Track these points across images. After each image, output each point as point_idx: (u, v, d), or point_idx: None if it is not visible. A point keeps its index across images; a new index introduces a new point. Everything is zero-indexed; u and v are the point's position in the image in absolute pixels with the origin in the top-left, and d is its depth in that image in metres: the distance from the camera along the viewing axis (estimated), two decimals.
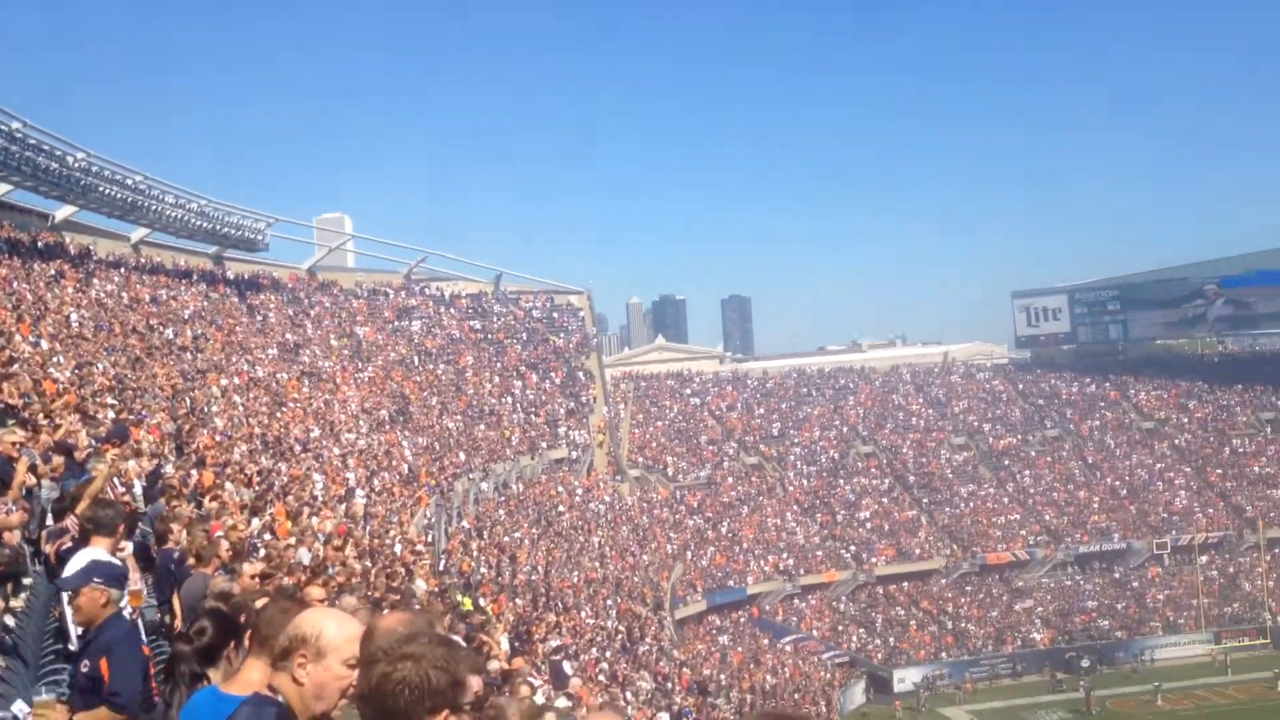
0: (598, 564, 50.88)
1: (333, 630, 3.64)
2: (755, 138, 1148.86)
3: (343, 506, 29.19)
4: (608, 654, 37.19)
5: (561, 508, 56.10)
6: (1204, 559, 70.20)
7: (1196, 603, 67.02)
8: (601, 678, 32.26)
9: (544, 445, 62.94)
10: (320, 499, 27.92)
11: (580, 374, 71.41)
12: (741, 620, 63.63)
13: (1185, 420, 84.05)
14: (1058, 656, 63.37)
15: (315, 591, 10.92)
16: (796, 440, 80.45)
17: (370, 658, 3.11)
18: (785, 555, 69.26)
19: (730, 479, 75.11)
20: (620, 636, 41.68)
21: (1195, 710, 54.91)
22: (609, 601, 45.81)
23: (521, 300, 74.95)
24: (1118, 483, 78.18)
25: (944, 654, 64.21)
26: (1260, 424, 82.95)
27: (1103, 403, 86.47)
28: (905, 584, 70.02)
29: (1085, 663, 62.35)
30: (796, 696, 51.24)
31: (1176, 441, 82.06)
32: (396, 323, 66.21)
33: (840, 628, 66.09)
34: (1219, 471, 78.73)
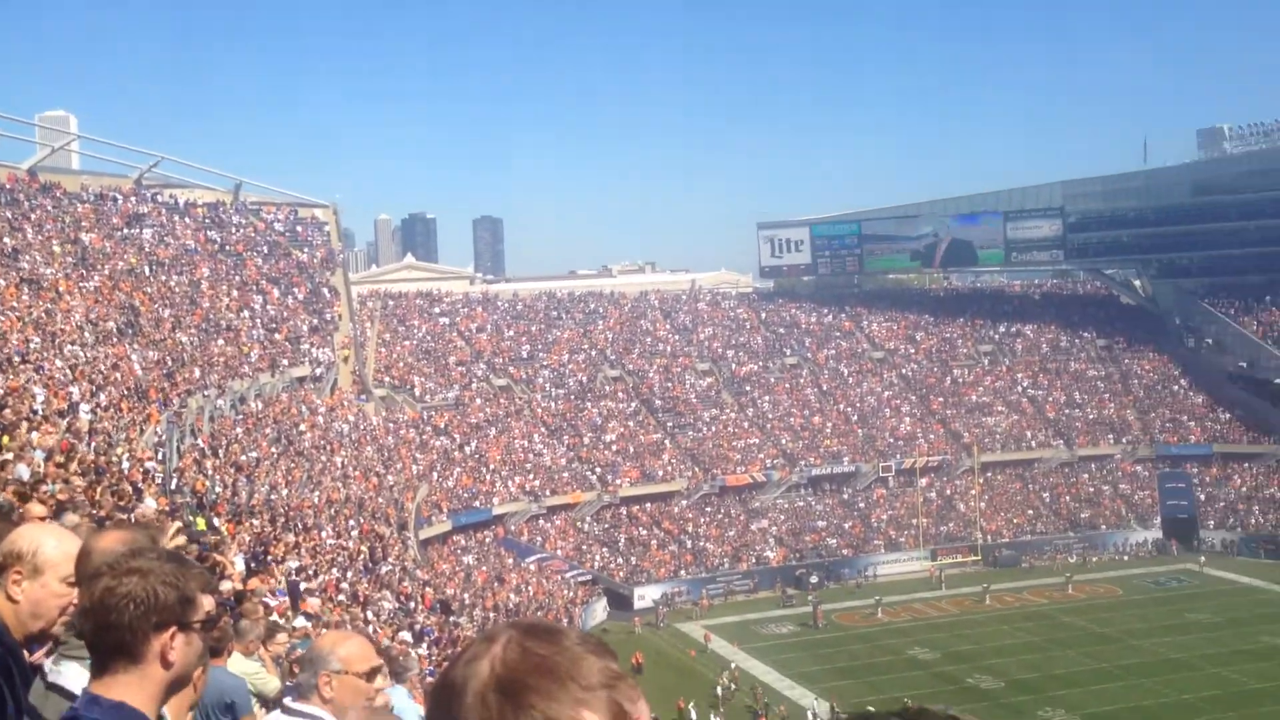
0: (340, 484, 49.77)
1: (51, 546, 3.44)
2: (508, 59, 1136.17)
3: (65, 421, 27.40)
4: (349, 574, 36.50)
5: (303, 427, 54.48)
6: (924, 482, 74.47)
7: (916, 522, 71.19)
8: (342, 598, 31.66)
9: (285, 363, 60.83)
10: (40, 413, 26.10)
11: (325, 290, 69.26)
12: (487, 540, 63.75)
13: (912, 351, 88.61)
14: (789, 573, 66.25)
15: (35, 508, 10.11)
16: (545, 363, 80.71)
17: (94, 572, 2.77)
18: (532, 477, 69.63)
19: (478, 400, 74.78)
20: (362, 557, 40.99)
21: (911, 622, 58.45)
22: (351, 522, 44.97)
23: (263, 212, 71.84)
24: (849, 409, 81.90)
25: (683, 572, 66.14)
26: (979, 356, 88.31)
27: (838, 333, 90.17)
28: (648, 505, 71.61)
29: (814, 579, 65.43)
30: (539, 614, 51.80)
31: (904, 371, 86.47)
32: (126, 230, 62.35)
33: (584, 548, 67.10)
34: (940, 400, 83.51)
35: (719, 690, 46.36)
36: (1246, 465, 76.50)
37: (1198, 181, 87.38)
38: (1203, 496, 74.40)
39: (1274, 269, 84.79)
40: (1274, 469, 75.51)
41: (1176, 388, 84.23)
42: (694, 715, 43.87)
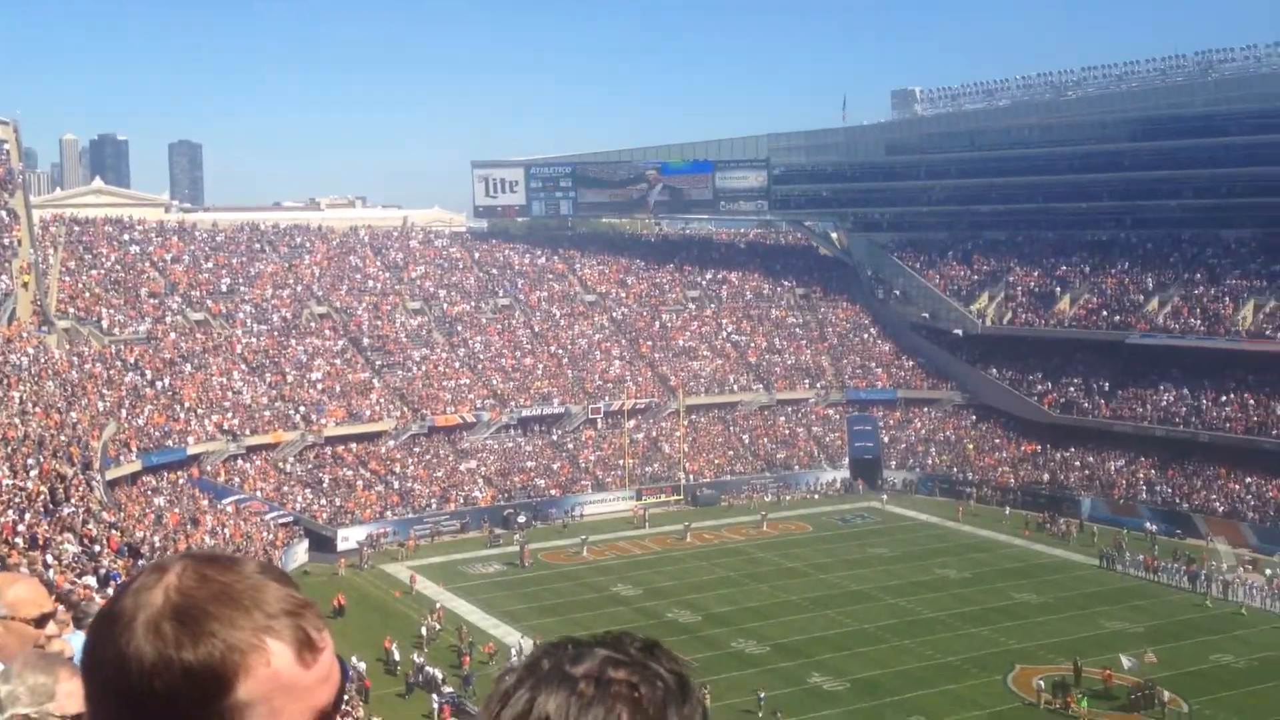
0: (18, 421, 46.32)
1: None
2: None
3: None
4: (27, 516, 34.08)
5: None
6: (631, 423, 76.03)
7: (623, 463, 72.69)
8: (20, 541, 29.53)
9: None
10: None
11: (2, 213, 64.02)
12: (180, 481, 60.83)
13: (623, 295, 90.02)
14: (497, 514, 66.43)
15: None
16: (247, 297, 77.44)
17: None
18: (230, 415, 66.85)
19: (173, 335, 71.00)
20: (42, 498, 38.33)
21: (615, 560, 59.77)
22: (30, 461, 41.95)
23: None
24: (560, 351, 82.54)
25: (389, 513, 65.23)
26: (686, 301, 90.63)
27: (551, 275, 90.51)
28: (354, 445, 70.10)
29: (521, 519, 65.86)
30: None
31: (615, 314, 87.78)
32: None
33: (285, 489, 65.11)
34: (649, 343, 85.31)
35: (423, 630, 46.08)
36: (926, 409, 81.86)
37: (891, 141, 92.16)
38: (887, 439, 79.19)
39: (956, 226, 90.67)
40: (950, 413, 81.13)
41: (867, 336, 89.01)
42: (397, 656, 43.49)
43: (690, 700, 1.54)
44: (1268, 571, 54.12)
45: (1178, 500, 65.69)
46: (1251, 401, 67.70)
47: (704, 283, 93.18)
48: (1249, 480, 64.21)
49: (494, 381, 77.84)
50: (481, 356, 80.00)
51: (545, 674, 1.50)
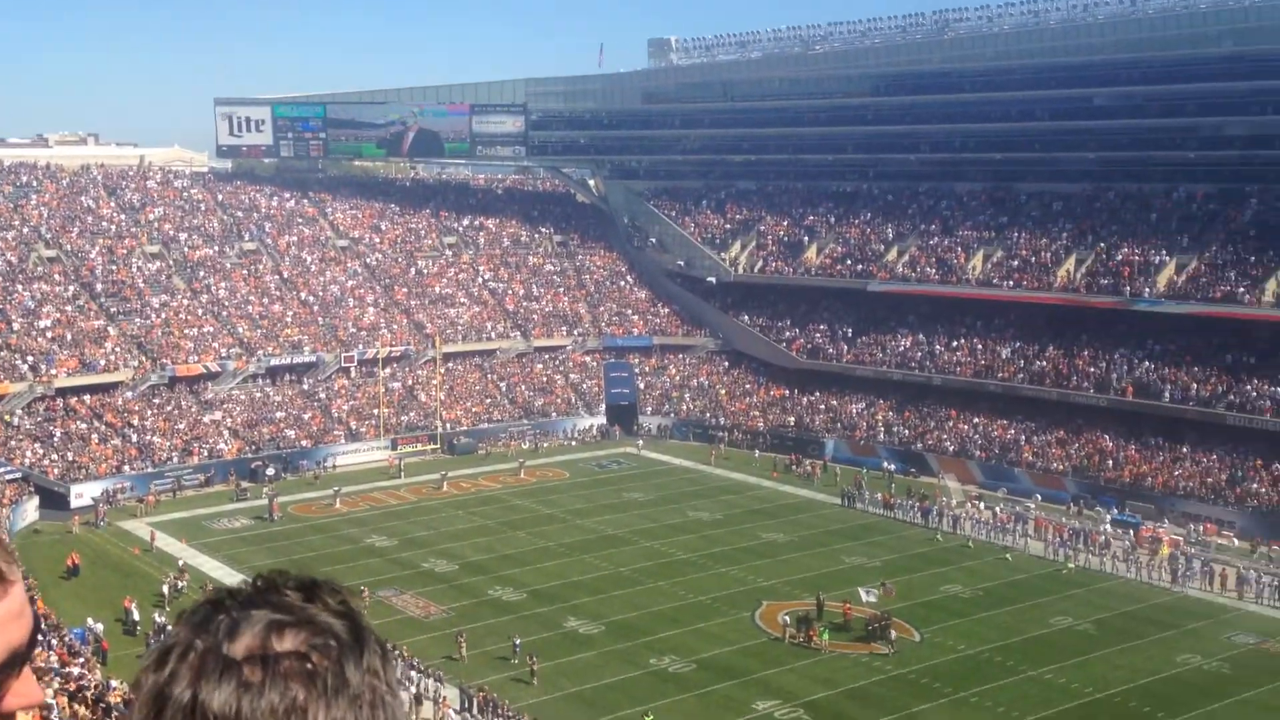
0: None
1: None
2: None
3: None
4: None
5: None
6: (386, 371, 74.61)
7: (378, 412, 71.33)
8: None
9: None
10: None
11: None
12: None
13: (377, 240, 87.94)
14: (244, 466, 64.20)
15: None
16: None
17: None
18: None
19: None
20: None
21: (369, 511, 58.73)
22: None
23: None
24: (311, 298, 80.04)
25: (127, 467, 62.15)
26: (443, 247, 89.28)
27: (301, 219, 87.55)
28: (87, 396, 66.33)
29: (270, 471, 63.88)
30: None
31: (368, 260, 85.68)
32: None
33: (13, 443, 61.17)
34: (405, 290, 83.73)
35: (165, 589, 44.23)
36: (681, 356, 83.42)
37: (647, 89, 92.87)
38: (643, 385, 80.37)
39: (711, 175, 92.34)
40: (704, 359, 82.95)
41: (624, 283, 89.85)
42: (137, 616, 41.63)
43: (366, 647, 1.44)
44: (997, 506, 57.66)
45: (913, 441, 69.15)
46: (979, 346, 71.72)
47: (461, 229, 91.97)
48: (976, 421, 68.13)
49: (240, 329, 74.89)
50: (226, 303, 76.77)
51: (203, 660, 1.36)
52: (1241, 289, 62.31)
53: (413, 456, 69.07)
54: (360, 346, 76.35)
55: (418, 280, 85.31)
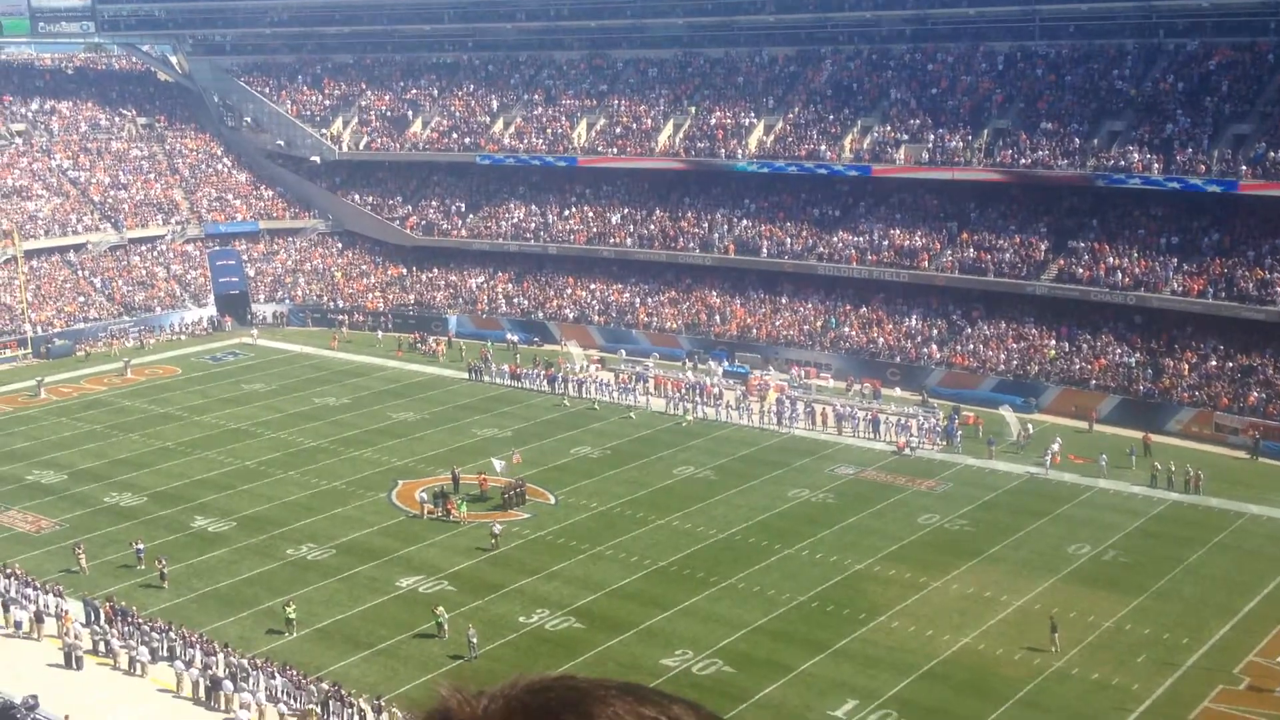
0: None
1: None
2: None
3: None
4: None
5: None
6: None
7: None
8: None
9: None
10: None
11: None
12: None
13: None
14: None
15: None
16: None
17: None
18: None
19: None
20: None
21: None
22: None
23: None
24: None
25: None
26: (11, 135, 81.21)
27: None
28: None
29: None
30: None
31: None
32: None
33: None
34: None
35: None
36: (291, 239, 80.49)
37: None
38: (253, 272, 77.08)
39: (304, 49, 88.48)
40: (315, 242, 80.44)
41: (221, 166, 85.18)
42: None
43: None
44: (618, 368, 59.91)
45: (533, 310, 70.37)
46: (591, 214, 73.43)
47: (30, 114, 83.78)
48: (594, 287, 70.10)
49: None
50: None
51: None
52: (824, 146, 66.76)
53: (2, 364, 63.49)
54: None
55: None
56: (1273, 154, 53.79)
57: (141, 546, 37.71)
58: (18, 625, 33.58)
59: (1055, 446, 46.32)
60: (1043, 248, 58.91)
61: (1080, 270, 56.51)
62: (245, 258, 77.78)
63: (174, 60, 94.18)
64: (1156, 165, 56.38)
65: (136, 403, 57.19)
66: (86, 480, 45.96)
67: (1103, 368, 53.62)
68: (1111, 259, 56.25)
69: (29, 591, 34.38)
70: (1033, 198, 61.49)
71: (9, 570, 36.03)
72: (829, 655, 31.27)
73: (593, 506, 42.46)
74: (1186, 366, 52.01)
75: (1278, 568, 36.45)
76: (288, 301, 75.30)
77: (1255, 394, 49.42)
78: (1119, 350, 54.29)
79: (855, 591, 35.13)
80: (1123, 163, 57.32)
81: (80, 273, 73.72)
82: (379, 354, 65.96)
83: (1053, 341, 56.09)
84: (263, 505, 43.06)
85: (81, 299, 71.61)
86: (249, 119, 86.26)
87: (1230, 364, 51.58)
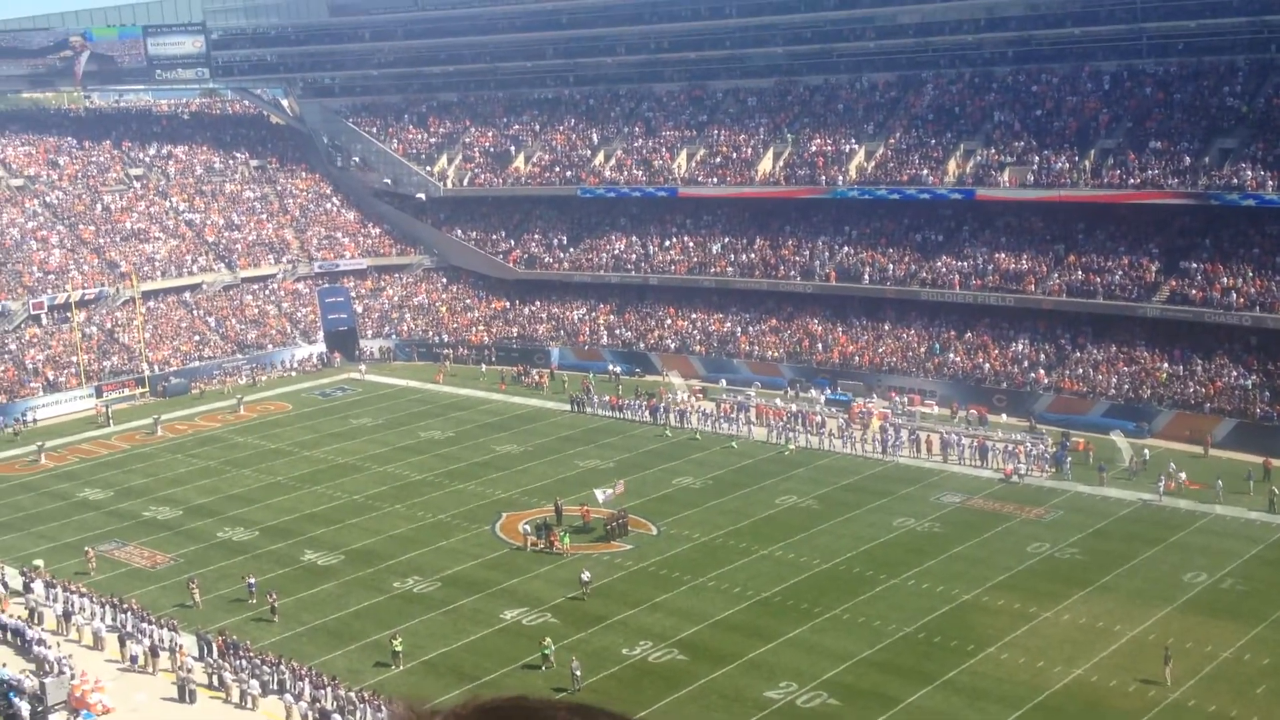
0: None
1: None
2: None
3: None
4: None
5: None
6: (81, 316, 70.23)
7: (77, 360, 67.14)
8: None
9: None
10: None
11: None
12: None
13: (56, 177, 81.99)
14: None
15: None
16: None
17: None
18: None
19: None
20: None
21: (79, 463, 55.51)
22: None
23: None
24: None
25: None
26: (129, 180, 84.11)
27: None
28: None
29: None
30: None
31: (48, 199, 79.88)
32: None
33: None
34: (92, 228, 78.57)
35: None
36: (397, 276, 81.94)
37: (333, 2, 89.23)
38: (360, 309, 78.62)
39: (409, 89, 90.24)
40: (421, 278, 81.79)
41: (330, 205, 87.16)
42: None
43: None
44: (720, 398, 59.75)
45: (635, 341, 70.60)
46: (691, 244, 73.52)
47: (148, 159, 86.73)
48: (694, 317, 70.12)
49: None
50: None
51: None
52: (925, 171, 66.06)
53: (121, 403, 65.56)
54: (49, 291, 71.43)
55: (105, 217, 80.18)
56: None
57: (253, 581, 38.45)
58: (133, 659, 34.46)
59: (1176, 471, 45.00)
60: (1153, 269, 57.46)
61: (1193, 291, 54.99)
62: (353, 294, 79.36)
63: (285, 103, 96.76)
64: (1271, 183, 54.72)
65: (249, 439, 58.55)
66: (200, 515, 47.11)
67: (1218, 390, 52.04)
68: (1225, 279, 54.65)
69: (145, 625, 35.26)
70: (1142, 218, 60.05)
71: (126, 605, 37.01)
72: (936, 687, 30.67)
73: (695, 537, 42.30)
74: None
75: None
76: (394, 336, 76.58)
77: None
78: (1234, 372, 52.65)
79: (963, 622, 34.42)
80: (1235, 181, 55.74)
81: (195, 312, 75.86)
82: (483, 387, 66.67)
83: (1165, 365, 54.60)
84: (370, 539, 43.68)
85: (196, 338, 73.65)
86: (357, 159, 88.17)
87: None
